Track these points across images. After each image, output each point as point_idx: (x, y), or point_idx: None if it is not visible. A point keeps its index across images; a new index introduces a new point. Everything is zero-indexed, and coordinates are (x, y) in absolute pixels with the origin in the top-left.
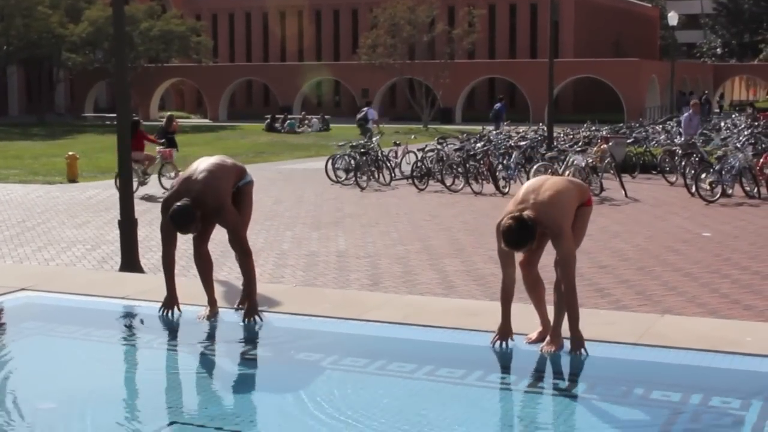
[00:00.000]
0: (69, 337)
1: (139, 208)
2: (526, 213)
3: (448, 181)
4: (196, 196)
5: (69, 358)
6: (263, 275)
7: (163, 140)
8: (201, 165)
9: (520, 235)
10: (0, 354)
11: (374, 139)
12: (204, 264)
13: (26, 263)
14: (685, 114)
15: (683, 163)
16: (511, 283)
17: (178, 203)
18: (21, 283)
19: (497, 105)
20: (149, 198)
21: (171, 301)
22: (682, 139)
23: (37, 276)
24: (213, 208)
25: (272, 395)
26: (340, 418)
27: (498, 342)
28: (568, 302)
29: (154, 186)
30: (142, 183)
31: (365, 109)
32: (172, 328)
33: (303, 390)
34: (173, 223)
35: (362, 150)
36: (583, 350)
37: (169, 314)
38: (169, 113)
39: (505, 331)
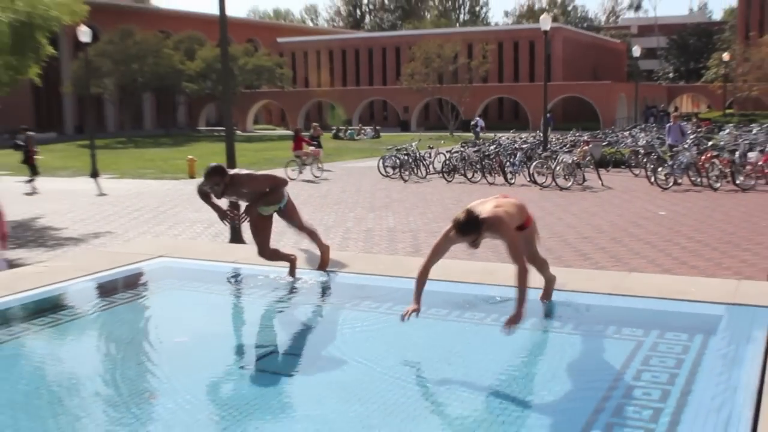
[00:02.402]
0: (195, 291)
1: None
2: (480, 213)
3: (469, 175)
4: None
5: (195, 307)
6: (334, 246)
7: (315, 142)
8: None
9: (467, 224)
10: (145, 304)
11: (414, 144)
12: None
13: (161, 237)
14: (668, 125)
15: (645, 160)
16: (428, 268)
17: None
18: (159, 252)
19: (477, 120)
20: (308, 181)
21: None
22: (669, 143)
23: (170, 246)
24: None
25: (342, 329)
26: (393, 345)
27: (407, 316)
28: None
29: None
30: (300, 172)
31: (477, 119)
32: (271, 285)
33: (363, 326)
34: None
35: (405, 152)
36: (512, 327)
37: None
38: (314, 124)
39: (415, 307)
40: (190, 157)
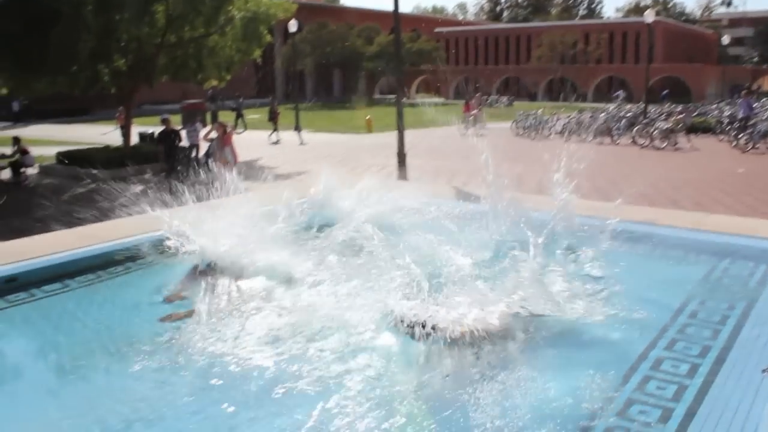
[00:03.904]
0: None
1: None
2: None
3: (583, 136)
4: None
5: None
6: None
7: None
8: None
9: None
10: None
11: (539, 111)
12: None
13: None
14: (740, 100)
15: (728, 128)
16: None
17: None
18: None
19: (620, 92)
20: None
21: None
22: (741, 115)
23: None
24: None
25: None
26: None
27: None
28: None
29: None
30: (468, 128)
31: (620, 91)
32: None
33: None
34: None
35: (533, 117)
36: None
37: None
38: (478, 94)
39: None
40: (368, 117)
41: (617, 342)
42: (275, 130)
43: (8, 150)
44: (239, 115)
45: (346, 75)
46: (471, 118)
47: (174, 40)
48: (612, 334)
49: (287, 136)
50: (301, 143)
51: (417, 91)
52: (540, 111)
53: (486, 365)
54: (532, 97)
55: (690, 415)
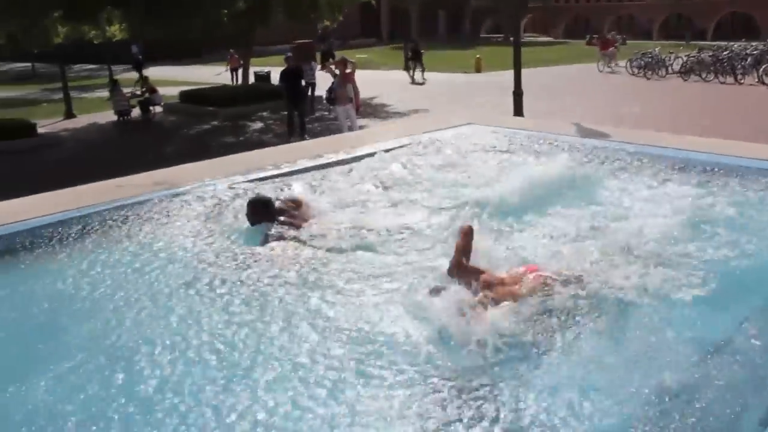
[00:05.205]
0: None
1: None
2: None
3: (703, 75)
4: None
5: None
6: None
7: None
8: None
9: None
10: (456, 161)
11: (656, 49)
12: None
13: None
14: None
15: None
16: None
17: None
18: (468, 120)
19: None
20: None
21: None
22: None
23: (474, 117)
24: None
25: None
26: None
27: None
28: None
29: None
30: (605, 65)
31: None
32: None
33: None
34: None
35: (649, 56)
36: None
37: None
38: (613, 32)
39: None
40: (478, 56)
41: None
42: (422, 69)
43: (138, 90)
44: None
45: (450, 14)
46: (606, 56)
47: None
48: None
49: (397, 75)
50: (412, 82)
51: (524, 30)
52: (657, 49)
53: None
54: (648, 35)
55: None
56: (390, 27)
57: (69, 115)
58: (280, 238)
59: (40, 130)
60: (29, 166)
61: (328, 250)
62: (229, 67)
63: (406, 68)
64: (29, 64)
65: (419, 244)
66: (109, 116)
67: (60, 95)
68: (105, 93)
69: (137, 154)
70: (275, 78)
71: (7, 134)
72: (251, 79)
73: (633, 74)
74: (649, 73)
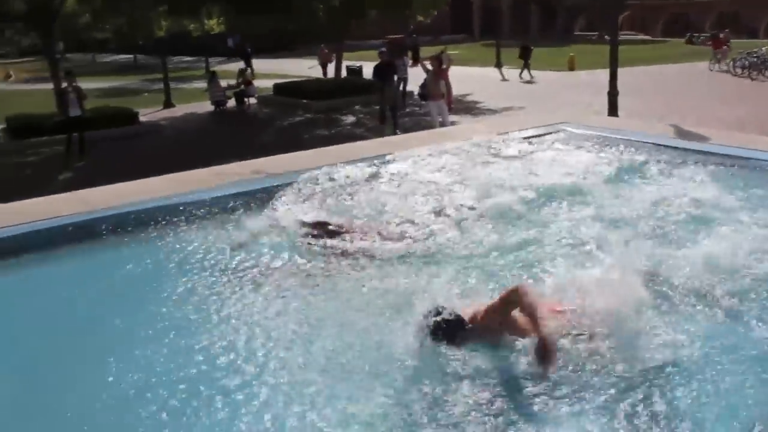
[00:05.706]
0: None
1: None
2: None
3: None
4: None
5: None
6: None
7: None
8: None
9: None
10: (552, 156)
11: (764, 48)
12: None
13: (558, 112)
14: None
15: None
16: None
17: None
18: (559, 120)
19: None
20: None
21: None
22: None
23: (567, 117)
24: None
25: None
26: None
27: None
28: None
29: None
30: (715, 63)
31: None
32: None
33: None
34: None
35: (755, 55)
36: None
37: None
38: (726, 30)
39: None
40: (571, 54)
41: None
42: (528, 67)
43: (233, 82)
44: (416, 51)
45: (543, 11)
46: (719, 54)
47: None
48: None
49: (489, 72)
50: (503, 79)
51: (620, 28)
52: (765, 49)
53: None
54: (753, 34)
55: None
56: (481, 23)
57: (168, 104)
58: None
59: (141, 119)
60: (135, 151)
61: None
62: (319, 62)
63: (498, 65)
64: (131, 56)
65: None
66: (205, 107)
67: (159, 85)
68: (202, 84)
69: (233, 143)
70: (367, 72)
71: (111, 122)
72: (343, 73)
73: (737, 75)
74: (755, 73)
